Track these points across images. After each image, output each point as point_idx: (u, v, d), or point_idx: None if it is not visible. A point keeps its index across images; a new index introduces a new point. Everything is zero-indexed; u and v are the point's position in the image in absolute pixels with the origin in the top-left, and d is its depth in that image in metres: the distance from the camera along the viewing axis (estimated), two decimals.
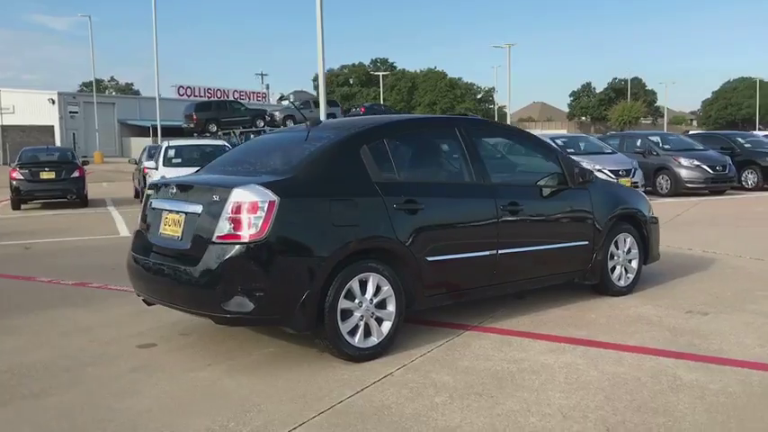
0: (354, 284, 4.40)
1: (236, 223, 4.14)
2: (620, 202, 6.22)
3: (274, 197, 4.15)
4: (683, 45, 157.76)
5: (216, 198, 4.27)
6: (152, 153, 15.57)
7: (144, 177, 14.65)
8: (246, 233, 4.12)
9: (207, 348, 4.83)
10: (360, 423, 3.49)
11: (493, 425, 3.44)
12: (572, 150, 15.46)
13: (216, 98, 53.10)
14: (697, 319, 5.36)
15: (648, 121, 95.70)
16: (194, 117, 33.21)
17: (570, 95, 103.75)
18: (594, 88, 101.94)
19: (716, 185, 17.19)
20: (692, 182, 16.70)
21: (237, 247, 4.13)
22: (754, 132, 25.60)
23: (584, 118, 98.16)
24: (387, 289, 4.53)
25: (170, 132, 35.88)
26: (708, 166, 16.82)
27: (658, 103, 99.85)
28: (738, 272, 7.24)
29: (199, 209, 4.36)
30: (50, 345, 5.01)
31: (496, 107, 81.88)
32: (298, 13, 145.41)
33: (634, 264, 6.33)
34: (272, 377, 4.19)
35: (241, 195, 4.18)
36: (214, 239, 4.20)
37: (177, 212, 4.57)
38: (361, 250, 4.44)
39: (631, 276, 6.30)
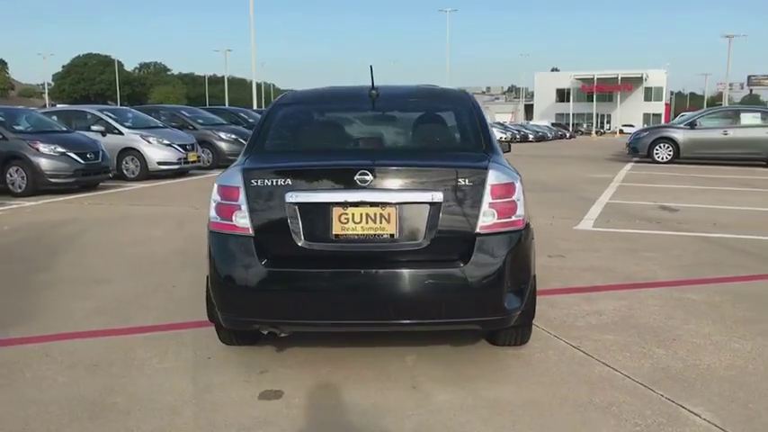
0: None
1: (502, 210, 3.49)
2: None
3: (519, 177, 3.67)
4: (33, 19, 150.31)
5: (465, 182, 3.45)
6: None
7: None
8: (514, 219, 3.52)
9: (341, 375, 3.66)
10: (702, 386, 3.53)
11: (748, 359, 3.96)
12: None
13: None
14: (568, 260, 6.53)
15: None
16: None
17: None
18: None
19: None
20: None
21: (510, 236, 3.50)
22: None
23: None
24: None
25: None
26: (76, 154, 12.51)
27: (10, 75, 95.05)
28: None
29: (436, 197, 3.39)
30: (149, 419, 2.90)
31: None
32: None
33: None
34: (510, 382, 3.63)
35: (498, 177, 3.52)
36: (479, 231, 3.40)
37: (379, 205, 3.39)
38: None
39: None
